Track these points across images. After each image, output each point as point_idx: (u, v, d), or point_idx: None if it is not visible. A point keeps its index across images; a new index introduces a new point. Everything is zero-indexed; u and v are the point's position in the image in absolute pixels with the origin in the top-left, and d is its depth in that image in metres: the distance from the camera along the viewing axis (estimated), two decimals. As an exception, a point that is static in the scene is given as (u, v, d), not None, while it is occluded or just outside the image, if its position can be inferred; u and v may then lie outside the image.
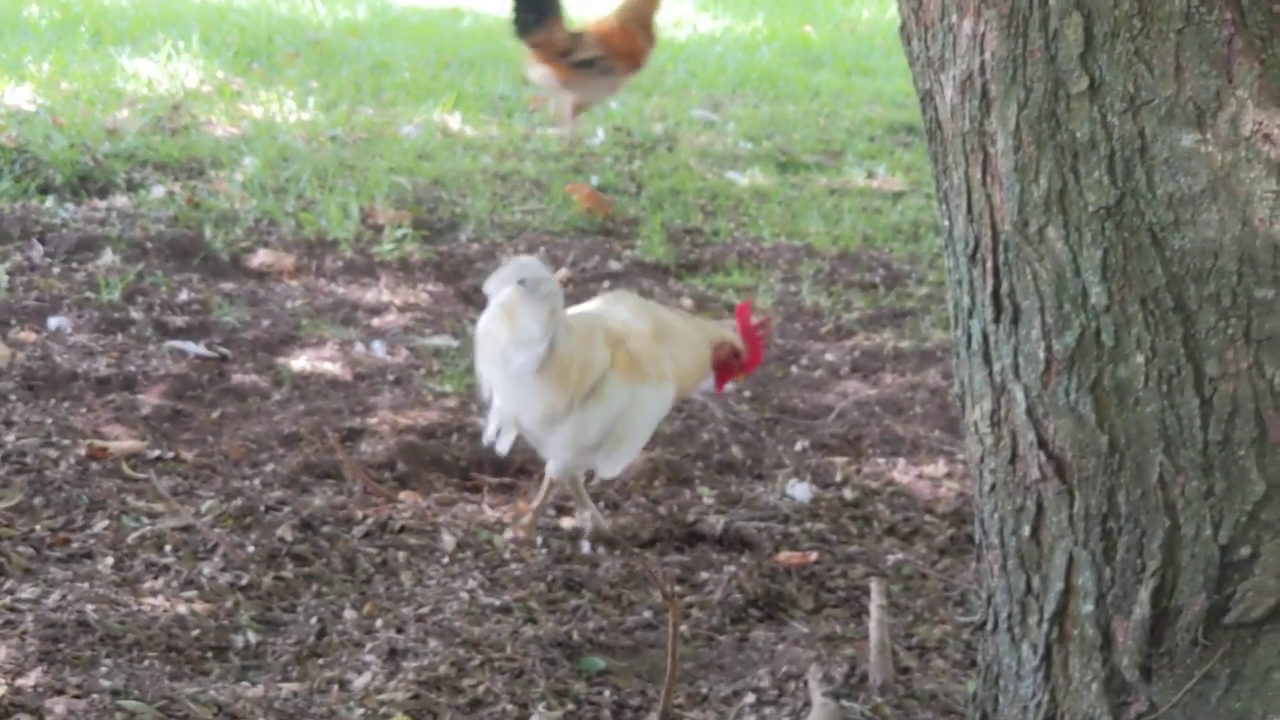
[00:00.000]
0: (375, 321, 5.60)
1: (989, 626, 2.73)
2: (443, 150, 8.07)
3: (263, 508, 3.93)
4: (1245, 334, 2.34)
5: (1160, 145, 2.33)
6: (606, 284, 6.09)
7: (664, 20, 13.70)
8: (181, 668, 3.20)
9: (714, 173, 8.07)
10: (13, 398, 4.55)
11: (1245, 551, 2.39)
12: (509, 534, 3.97)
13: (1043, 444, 2.51)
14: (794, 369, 5.37)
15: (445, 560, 3.82)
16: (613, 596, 3.71)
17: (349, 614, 3.50)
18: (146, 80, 9.04)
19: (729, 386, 4.46)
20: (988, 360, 2.58)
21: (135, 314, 5.38)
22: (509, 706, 3.13)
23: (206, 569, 3.61)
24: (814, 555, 3.93)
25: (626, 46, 7.97)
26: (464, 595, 3.62)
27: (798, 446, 4.65)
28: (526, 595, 3.64)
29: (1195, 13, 2.28)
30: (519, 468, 4.36)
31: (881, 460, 4.57)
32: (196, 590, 3.52)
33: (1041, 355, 2.48)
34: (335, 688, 3.17)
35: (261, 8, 12.36)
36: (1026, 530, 2.58)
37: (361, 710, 3.08)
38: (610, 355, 3.82)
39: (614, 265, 6.37)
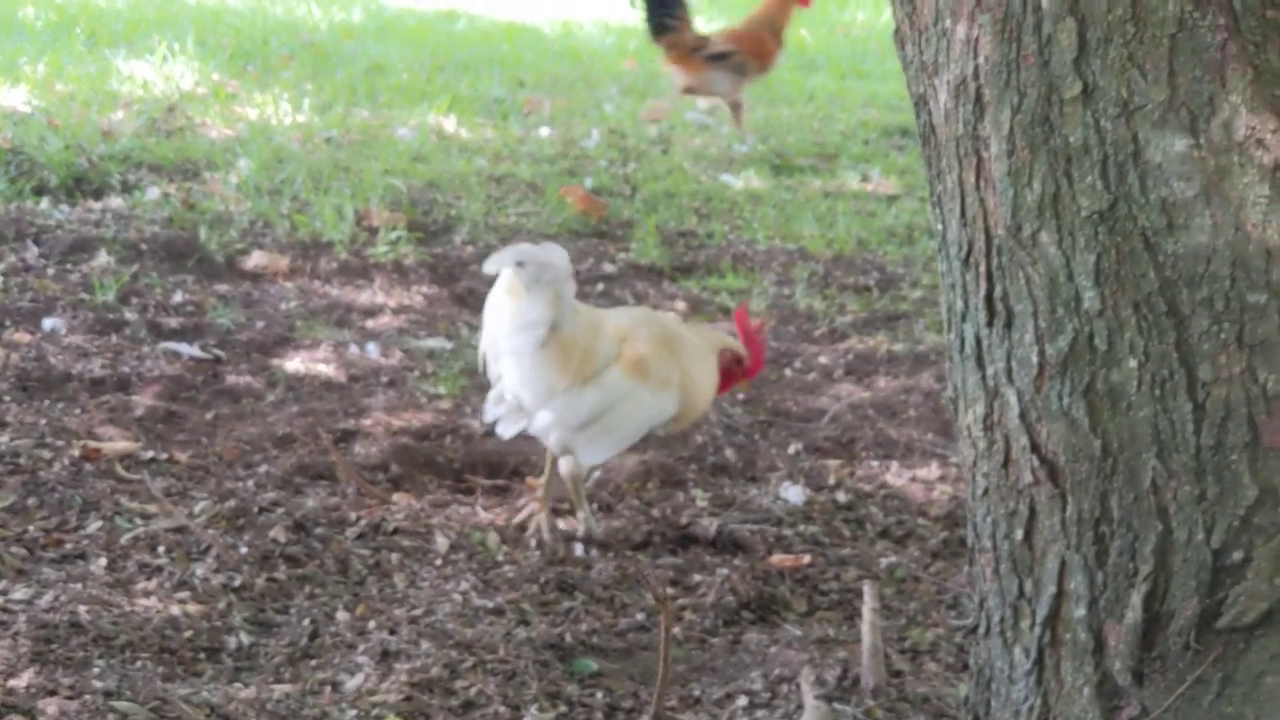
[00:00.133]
0: (369, 323, 5.60)
1: (981, 630, 2.73)
2: (438, 152, 8.07)
3: (256, 509, 3.93)
4: (1238, 339, 2.34)
5: (1153, 150, 2.34)
6: (601, 286, 6.09)
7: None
8: (174, 669, 3.20)
9: (708, 175, 8.08)
10: (7, 398, 4.55)
11: (1237, 556, 2.39)
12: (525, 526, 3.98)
13: (1036, 448, 2.52)
14: (788, 372, 5.37)
15: (438, 562, 3.82)
16: (606, 599, 3.71)
17: (342, 615, 3.50)
18: (142, 82, 9.03)
19: (737, 391, 4.44)
20: (981, 364, 2.58)
21: (129, 315, 5.38)
22: (501, 708, 3.13)
23: (199, 570, 3.61)
24: (807, 558, 3.94)
25: (756, 47, 8.50)
26: (457, 597, 3.62)
27: (791, 449, 4.65)
28: (519, 597, 3.64)
29: (1189, 18, 2.29)
30: (513, 470, 4.37)
31: (875, 463, 4.57)
32: (189, 591, 3.52)
33: (1034, 359, 2.49)
34: (328, 689, 3.17)
35: (257, 10, 12.36)
36: (1019, 534, 2.58)
37: (354, 712, 3.08)
38: (618, 349, 3.85)
39: (608, 268, 6.37)
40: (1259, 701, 2.41)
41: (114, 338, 5.18)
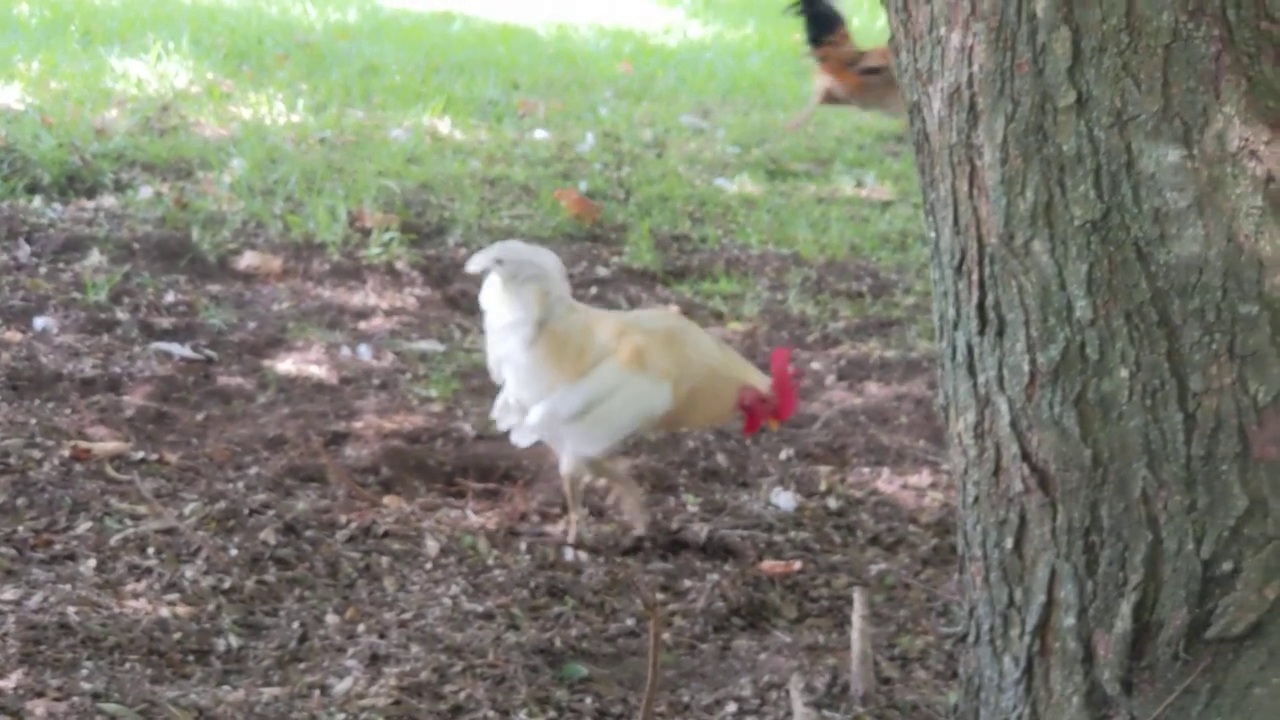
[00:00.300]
0: (362, 325, 5.59)
1: (971, 638, 2.73)
2: (431, 154, 8.06)
3: (246, 511, 3.93)
4: (1229, 349, 2.34)
5: (1146, 160, 2.34)
6: (594, 290, 6.09)
7: (653, 26, 13.76)
8: (163, 671, 3.19)
9: (703, 180, 8.08)
10: (-3, 398, 4.55)
11: (1227, 566, 2.39)
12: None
13: (1026, 457, 2.52)
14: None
15: (428, 566, 3.81)
16: (595, 604, 3.70)
17: (331, 619, 3.49)
18: (136, 80, 9.02)
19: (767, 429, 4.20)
20: (972, 372, 2.58)
21: (121, 315, 5.38)
22: (490, 713, 3.13)
23: (189, 572, 3.60)
24: (797, 564, 3.94)
25: None
26: (446, 601, 3.61)
27: (782, 455, 4.65)
28: (509, 602, 3.64)
29: (1183, 29, 2.29)
30: (503, 473, 4.36)
31: (866, 470, 4.57)
32: (179, 593, 3.51)
33: (1026, 368, 2.49)
34: (316, 692, 3.16)
35: (252, 9, 12.35)
36: (1009, 543, 2.58)
37: (343, 715, 3.07)
38: (616, 343, 3.83)
39: (601, 271, 6.37)
40: (1247, 712, 2.41)
41: (105, 337, 5.18)
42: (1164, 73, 2.31)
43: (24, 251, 5.92)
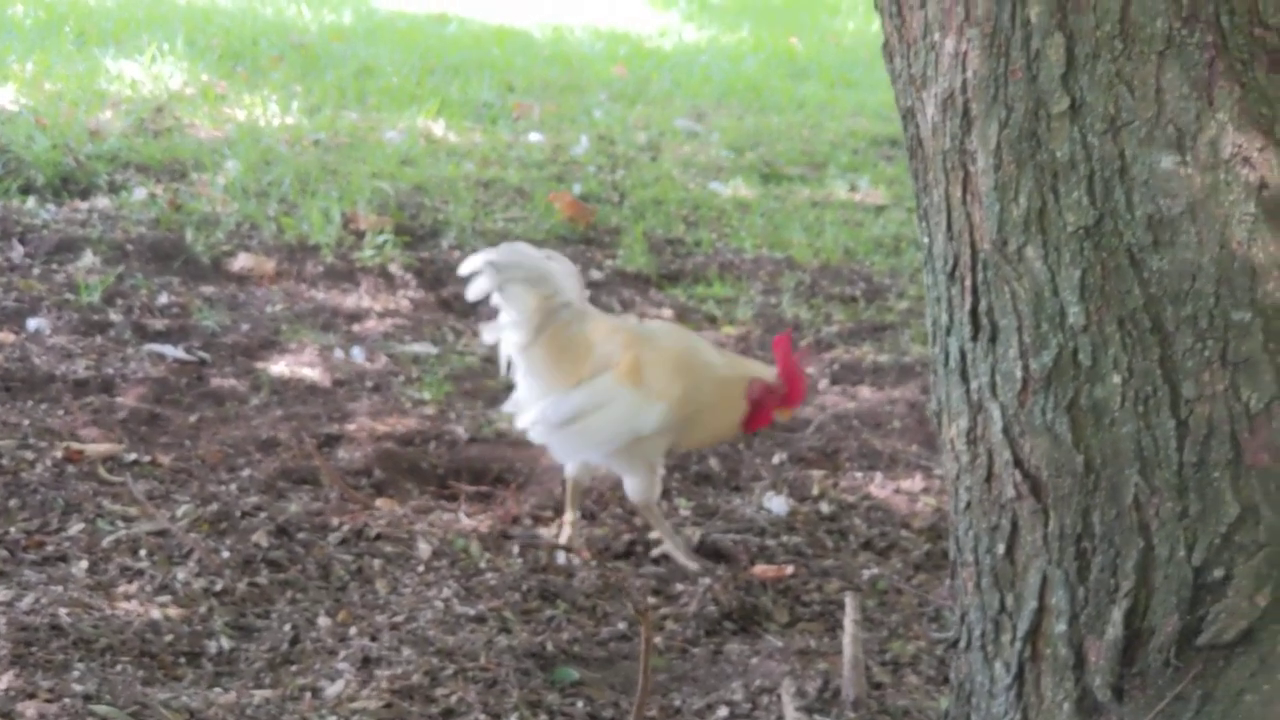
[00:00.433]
0: (355, 327, 5.59)
1: (962, 644, 2.73)
2: (426, 156, 8.06)
3: (239, 513, 3.92)
4: (1222, 356, 2.34)
5: (1140, 167, 2.34)
6: (587, 293, 6.07)
7: (648, 29, 13.77)
8: (154, 673, 3.19)
9: (697, 183, 8.08)
10: (-11, 399, 4.54)
11: (1219, 573, 2.40)
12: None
13: (1018, 463, 2.52)
14: (773, 381, 5.36)
15: (420, 568, 3.81)
16: (587, 607, 3.70)
17: (323, 621, 3.49)
18: (130, 82, 9.01)
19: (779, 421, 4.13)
20: (965, 378, 2.58)
21: (114, 316, 5.37)
22: (482, 716, 3.13)
23: (181, 574, 3.60)
24: (789, 569, 3.93)
25: None
26: (438, 604, 3.61)
27: (775, 459, 4.65)
28: (501, 605, 3.63)
29: (1177, 35, 2.29)
30: (496, 476, 4.36)
31: (859, 474, 4.57)
32: (170, 595, 3.51)
33: (1018, 374, 2.49)
34: (308, 695, 3.16)
35: (247, 11, 12.34)
36: (1001, 548, 2.58)
37: (334, 718, 3.07)
38: (621, 355, 3.81)
39: (595, 274, 6.37)
40: (1238, 719, 2.41)
41: (98, 339, 5.17)
42: (1157, 79, 2.31)
43: (17, 252, 5.92)
